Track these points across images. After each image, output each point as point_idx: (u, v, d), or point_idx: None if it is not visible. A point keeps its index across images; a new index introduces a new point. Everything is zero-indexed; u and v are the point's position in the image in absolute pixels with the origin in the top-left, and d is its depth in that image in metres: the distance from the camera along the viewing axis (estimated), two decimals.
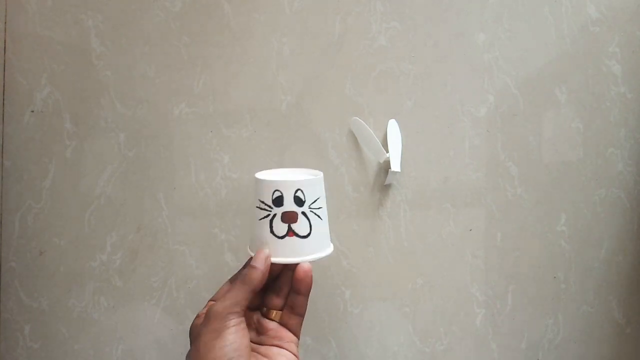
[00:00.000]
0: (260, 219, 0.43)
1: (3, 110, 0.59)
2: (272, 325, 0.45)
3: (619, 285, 0.56)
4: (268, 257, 0.43)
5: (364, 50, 0.57)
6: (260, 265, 0.42)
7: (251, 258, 0.43)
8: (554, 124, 0.56)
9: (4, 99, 0.59)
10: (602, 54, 0.55)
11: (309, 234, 0.43)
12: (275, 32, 0.57)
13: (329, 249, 0.45)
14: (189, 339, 0.43)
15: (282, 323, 0.45)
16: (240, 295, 0.41)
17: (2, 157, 0.59)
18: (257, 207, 0.44)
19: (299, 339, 0.45)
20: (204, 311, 0.43)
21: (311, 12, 0.57)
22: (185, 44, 0.58)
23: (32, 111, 0.59)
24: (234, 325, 0.40)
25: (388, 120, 0.56)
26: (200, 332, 0.40)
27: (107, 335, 0.58)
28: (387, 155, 0.54)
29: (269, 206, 0.43)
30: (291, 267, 0.44)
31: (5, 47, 0.59)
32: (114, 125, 0.58)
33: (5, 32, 0.59)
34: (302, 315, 0.45)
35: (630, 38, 0.55)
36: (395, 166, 0.54)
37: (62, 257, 0.59)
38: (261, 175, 0.46)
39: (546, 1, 0.56)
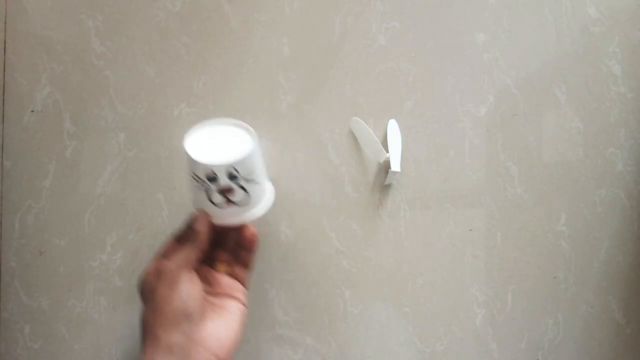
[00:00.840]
0: (197, 188, 0.45)
1: (3, 110, 0.59)
2: (221, 277, 0.48)
3: (619, 285, 0.56)
4: (209, 220, 0.46)
5: (364, 50, 0.57)
6: (203, 229, 0.46)
7: (194, 217, 0.46)
8: (554, 124, 0.56)
9: (4, 99, 0.59)
10: (602, 54, 0.55)
11: (247, 200, 0.46)
12: (275, 32, 0.57)
13: (269, 202, 0.48)
14: (139, 294, 0.45)
15: (231, 275, 0.48)
16: (189, 255, 0.44)
17: (2, 157, 0.59)
18: (191, 176, 0.45)
19: (247, 290, 0.49)
20: (153, 267, 0.44)
21: (311, 12, 0.57)
22: (185, 44, 0.58)
23: (32, 111, 0.59)
24: (187, 279, 0.43)
25: (388, 121, 0.56)
26: (155, 287, 0.43)
27: (107, 335, 0.58)
28: (387, 155, 0.54)
29: (204, 181, 0.44)
30: (235, 227, 0.48)
31: (5, 47, 0.59)
32: (114, 125, 0.58)
33: (5, 32, 0.59)
34: (250, 269, 0.50)
35: (630, 38, 0.55)
36: (395, 166, 0.54)
37: (62, 257, 0.59)
38: (192, 149, 0.45)
39: (546, 1, 0.56)
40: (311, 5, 0.57)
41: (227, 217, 0.46)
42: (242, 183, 0.45)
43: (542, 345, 0.56)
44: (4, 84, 0.59)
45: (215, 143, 0.47)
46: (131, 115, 0.58)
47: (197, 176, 0.45)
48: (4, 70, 0.59)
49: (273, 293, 0.57)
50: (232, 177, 0.44)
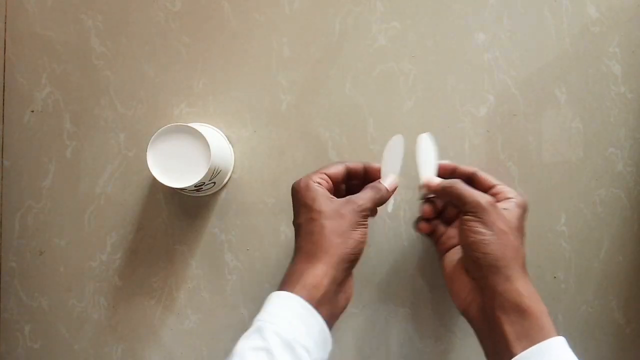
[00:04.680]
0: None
1: (3, 110, 0.59)
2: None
3: (619, 285, 0.56)
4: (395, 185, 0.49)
5: (364, 50, 0.57)
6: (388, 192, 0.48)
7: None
8: (554, 124, 0.56)
9: (4, 99, 0.59)
10: (602, 54, 0.55)
11: None
12: (275, 32, 0.57)
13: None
14: (297, 194, 0.46)
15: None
16: (374, 206, 0.47)
17: (2, 157, 0.59)
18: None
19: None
20: (323, 184, 0.47)
21: (311, 12, 0.57)
22: (185, 44, 0.58)
23: (32, 111, 0.59)
24: (365, 225, 0.45)
25: (420, 135, 0.51)
26: (333, 215, 0.44)
27: (107, 335, 0.58)
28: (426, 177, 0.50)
29: None
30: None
31: (5, 47, 0.59)
32: (114, 125, 0.58)
33: (5, 32, 0.59)
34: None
35: (630, 38, 0.55)
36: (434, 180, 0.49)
37: (62, 257, 0.59)
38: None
39: (546, 1, 0.56)
40: (311, 5, 0.57)
41: None
42: None
43: None
44: (4, 84, 0.59)
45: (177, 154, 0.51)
46: (131, 115, 0.58)
47: None
48: (4, 70, 0.59)
49: None
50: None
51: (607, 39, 0.55)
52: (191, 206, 0.58)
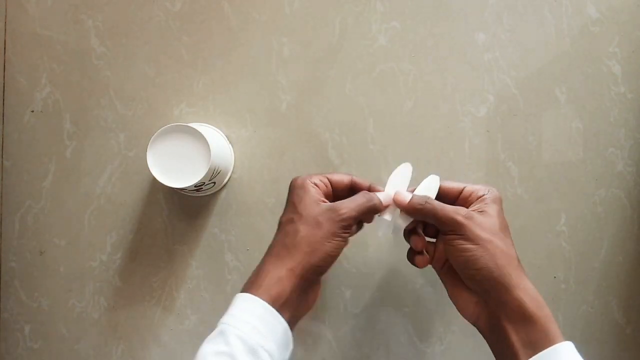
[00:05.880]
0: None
1: (3, 110, 0.59)
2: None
3: (619, 285, 0.56)
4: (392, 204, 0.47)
5: (364, 50, 0.57)
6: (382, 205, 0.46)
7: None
8: (554, 124, 0.56)
9: (4, 99, 0.59)
10: (602, 54, 0.55)
11: None
12: (275, 32, 0.57)
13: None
14: (291, 190, 0.46)
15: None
16: (361, 215, 0.45)
17: (2, 157, 0.59)
18: None
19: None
20: (318, 186, 0.46)
21: (311, 12, 0.57)
22: (185, 44, 0.58)
23: (32, 111, 0.59)
24: (342, 237, 0.44)
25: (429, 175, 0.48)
26: (311, 222, 0.43)
27: (107, 335, 0.58)
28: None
29: None
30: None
31: (5, 47, 0.59)
32: (114, 125, 0.58)
33: (5, 32, 0.59)
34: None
35: (630, 38, 0.55)
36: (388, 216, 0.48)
37: (62, 257, 0.59)
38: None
39: (546, 1, 0.56)
40: (311, 5, 0.57)
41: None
42: None
43: None
44: (4, 84, 0.59)
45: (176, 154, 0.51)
46: (131, 115, 0.58)
47: None
48: (4, 70, 0.59)
49: None
50: None
51: (607, 39, 0.55)
52: (191, 206, 0.58)
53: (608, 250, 0.56)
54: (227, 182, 0.57)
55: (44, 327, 0.59)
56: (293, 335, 0.43)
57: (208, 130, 0.54)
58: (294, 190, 0.46)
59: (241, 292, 0.43)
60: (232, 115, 0.58)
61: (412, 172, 0.47)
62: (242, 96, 0.58)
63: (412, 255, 0.48)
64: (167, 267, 0.58)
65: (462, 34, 0.56)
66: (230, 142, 0.57)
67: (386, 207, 0.46)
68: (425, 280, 0.56)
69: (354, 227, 0.46)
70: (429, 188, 0.46)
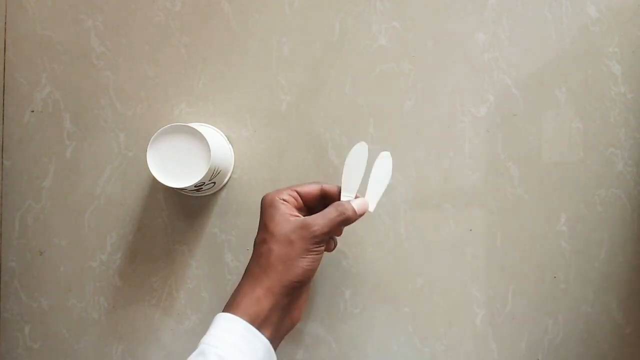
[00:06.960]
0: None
1: (3, 110, 0.59)
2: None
3: (619, 285, 0.56)
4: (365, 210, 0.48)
5: (364, 50, 0.57)
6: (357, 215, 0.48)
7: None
8: (554, 124, 0.56)
9: (4, 99, 0.59)
10: (602, 54, 0.55)
11: None
12: (275, 32, 0.57)
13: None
14: (262, 209, 0.46)
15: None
16: (334, 230, 0.46)
17: (2, 157, 0.59)
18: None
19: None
20: (292, 204, 0.46)
21: (311, 12, 0.57)
22: (185, 44, 0.58)
23: (32, 111, 0.59)
24: (316, 251, 0.44)
25: (381, 152, 0.50)
26: (282, 240, 0.44)
27: (107, 335, 0.58)
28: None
29: None
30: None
31: (5, 47, 0.59)
32: (114, 125, 0.58)
33: (5, 32, 0.59)
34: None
35: (630, 38, 0.55)
36: (372, 206, 0.50)
37: (62, 257, 0.59)
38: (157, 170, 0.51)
39: (546, 1, 0.56)
40: (311, 5, 0.57)
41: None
42: None
43: (542, 345, 0.56)
44: (4, 84, 0.59)
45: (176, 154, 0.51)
46: (131, 115, 0.58)
47: None
48: (4, 70, 0.59)
49: None
50: None
51: (607, 39, 0.55)
52: (191, 206, 0.58)
53: (608, 250, 0.56)
54: (227, 182, 0.57)
55: (44, 327, 0.59)
56: (276, 353, 0.44)
57: (208, 130, 0.54)
58: (265, 210, 0.46)
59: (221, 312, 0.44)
60: (232, 115, 0.58)
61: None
62: (242, 96, 0.58)
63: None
64: (167, 267, 0.58)
65: (462, 34, 0.56)
66: (230, 142, 0.57)
67: (360, 215, 0.48)
68: (425, 280, 0.56)
69: (330, 240, 0.48)
70: (387, 169, 0.49)
